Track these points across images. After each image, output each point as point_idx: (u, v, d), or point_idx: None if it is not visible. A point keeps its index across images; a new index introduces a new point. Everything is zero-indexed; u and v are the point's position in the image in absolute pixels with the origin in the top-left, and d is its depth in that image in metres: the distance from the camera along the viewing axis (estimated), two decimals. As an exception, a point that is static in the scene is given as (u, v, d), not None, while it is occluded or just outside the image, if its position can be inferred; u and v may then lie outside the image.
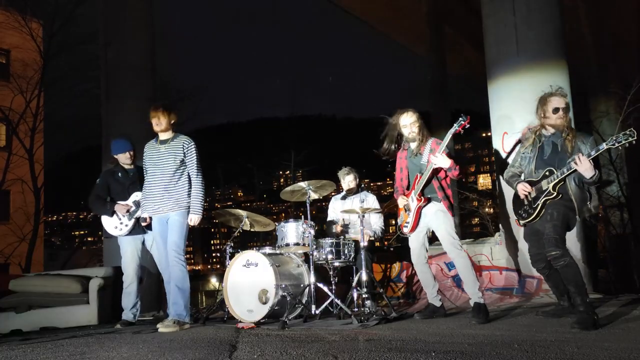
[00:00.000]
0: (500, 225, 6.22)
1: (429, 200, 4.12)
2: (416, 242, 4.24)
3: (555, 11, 5.99)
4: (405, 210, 4.26)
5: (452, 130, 3.93)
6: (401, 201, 4.29)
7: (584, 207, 3.57)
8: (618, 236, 10.19)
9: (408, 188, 4.29)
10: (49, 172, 16.39)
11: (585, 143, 3.54)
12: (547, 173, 3.58)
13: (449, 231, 4.05)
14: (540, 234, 3.63)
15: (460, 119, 3.89)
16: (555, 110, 3.64)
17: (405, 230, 4.25)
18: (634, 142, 3.20)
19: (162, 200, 4.28)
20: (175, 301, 4.15)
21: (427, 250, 4.30)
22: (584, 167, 3.34)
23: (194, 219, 4.26)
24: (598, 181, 3.45)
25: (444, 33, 18.28)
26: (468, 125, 3.89)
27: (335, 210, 5.63)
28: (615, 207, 10.28)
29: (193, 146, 4.33)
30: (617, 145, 3.24)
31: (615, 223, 10.31)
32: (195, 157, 4.32)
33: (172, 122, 4.37)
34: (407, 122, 4.21)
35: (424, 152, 4.17)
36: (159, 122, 4.30)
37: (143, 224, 4.47)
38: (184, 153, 4.30)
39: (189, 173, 4.33)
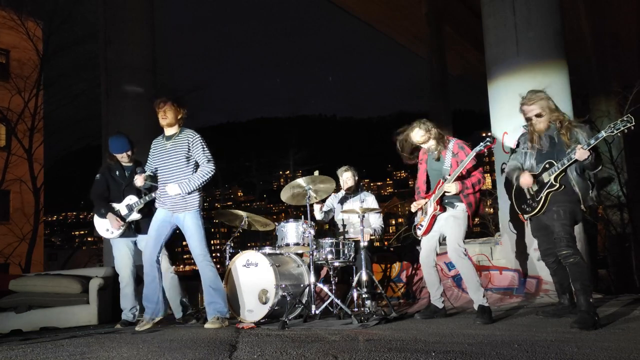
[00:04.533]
0: (500, 225, 6.22)
1: (444, 209, 4.10)
2: (428, 246, 4.22)
3: (555, 11, 5.99)
4: (422, 213, 4.24)
5: (477, 149, 3.90)
6: (420, 203, 4.27)
7: (587, 196, 3.59)
8: (618, 236, 10.19)
9: (428, 191, 4.28)
10: (48, 172, 16.40)
11: (582, 131, 3.55)
12: (547, 165, 3.59)
13: (457, 239, 4.02)
14: (548, 229, 3.64)
15: (487, 139, 3.87)
16: (528, 119, 3.71)
17: (419, 232, 4.24)
18: (632, 127, 3.23)
19: (171, 199, 4.22)
20: (212, 300, 4.18)
21: (437, 254, 4.27)
22: (580, 155, 3.35)
23: (174, 188, 4.10)
24: (595, 163, 3.44)
25: (444, 33, 18.28)
26: (493, 147, 3.90)
27: (333, 203, 5.61)
28: (615, 207, 10.28)
29: (197, 138, 4.23)
30: (615, 132, 3.28)
31: (615, 223, 10.30)
32: (201, 148, 4.22)
33: (180, 117, 4.28)
34: (420, 139, 4.18)
35: (445, 156, 4.13)
36: (165, 116, 4.22)
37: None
38: (189, 148, 4.22)
39: (198, 167, 4.26)
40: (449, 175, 4.05)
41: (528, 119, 3.71)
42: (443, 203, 4.10)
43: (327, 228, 5.79)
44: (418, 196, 4.37)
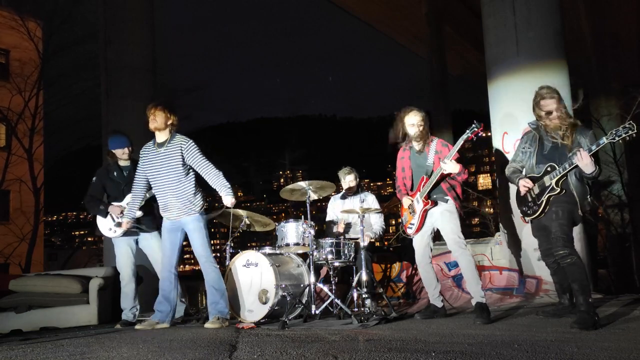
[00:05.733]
0: (500, 226, 6.22)
1: (435, 203, 4.09)
2: (421, 243, 4.22)
3: (555, 11, 5.99)
4: (410, 212, 4.22)
5: (464, 137, 3.89)
6: (406, 201, 4.25)
7: (585, 201, 3.59)
8: (618, 236, 10.19)
9: (412, 189, 4.26)
10: (48, 172, 16.40)
11: (585, 137, 3.54)
12: (548, 169, 3.59)
13: (455, 230, 4.04)
14: (548, 229, 3.64)
15: (474, 125, 3.85)
16: (548, 113, 3.67)
17: (410, 231, 4.22)
18: (634, 134, 3.22)
19: (173, 207, 4.23)
20: (214, 301, 4.21)
21: (431, 250, 4.28)
22: (585, 162, 3.35)
23: (227, 200, 4.23)
24: (598, 176, 3.46)
25: (444, 33, 18.27)
26: (481, 133, 3.87)
27: (335, 210, 5.63)
28: (616, 206, 10.28)
29: (191, 144, 4.22)
30: (617, 139, 3.27)
31: (615, 223, 10.31)
32: (197, 154, 4.22)
33: (170, 122, 4.24)
34: (414, 122, 4.17)
35: (429, 152, 4.14)
36: (154, 119, 4.21)
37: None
38: (184, 155, 4.20)
39: (195, 173, 4.26)
40: (434, 168, 4.06)
41: (548, 113, 3.66)
42: (432, 198, 4.10)
43: (326, 228, 5.79)
44: (400, 193, 4.34)
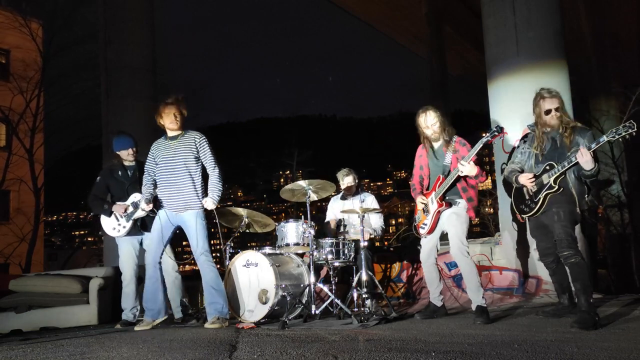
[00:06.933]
0: (500, 225, 6.22)
1: (450, 205, 4.05)
2: (429, 243, 4.19)
3: (555, 11, 5.99)
4: (424, 212, 4.19)
5: (484, 140, 3.82)
6: (420, 201, 4.21)
7: (583, 200, 3.59)
8: (618, 236, 10.20)
9: (428, 188, 4.22)
10: (48, 172, 16.40)
11: (583, 137, 3.55)
12: (547, 167, 3.59)
13: (460, 236, 3.99)
14: (547, 228, 3.65)
15: (494, 129, 3.81)
16: (547, 112, 3.67)
17: (422, 231, 4.18)
18: (634, 133, 3.24)
19: (176, 200, 4.22)
20: (212, 300, 4.18)
21: (437, 250, 4.26)
22: (585, 159, 3.34)
23: (209, 202, 4.19)
24: (597, 174, 3.46)
25: (444, 33, 18.28)
26: (502, 138, 3.81)
27: (335, 210, 5.62)
28: (615, 206, 10.29)
29: (204, 140, 4.26)
30: (617, 137, 3.29)
31: (615, 223, 10.32)
32: (208, 150, 4.24)
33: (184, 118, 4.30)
34: (428, 124, 4.13)
35: (446, 152, 4.10)
36: (175, 120, 4.22)
37: (145, 207, 4.39)
38: (197, 149, 4.22)
39: (204, 169, 4.27)
40: (450, 168, 4.01)
41: (547, 112, 3.66)
42: (446, 199, 4.06)
43: (325, 228, 5.78)
44: (415, 192, 4.31)
